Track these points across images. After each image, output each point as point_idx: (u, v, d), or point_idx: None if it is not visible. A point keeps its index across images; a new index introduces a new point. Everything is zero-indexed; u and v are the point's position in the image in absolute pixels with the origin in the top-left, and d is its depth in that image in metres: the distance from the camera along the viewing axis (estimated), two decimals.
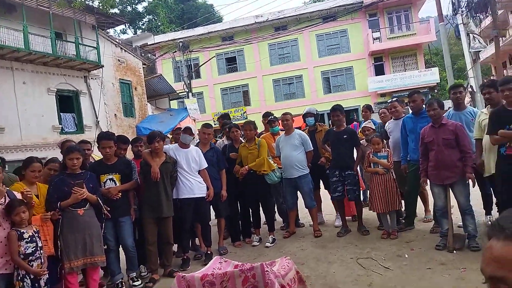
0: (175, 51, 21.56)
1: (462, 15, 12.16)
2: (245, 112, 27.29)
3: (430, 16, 28.06)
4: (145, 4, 41.31)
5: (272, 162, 5.40)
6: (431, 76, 24.42)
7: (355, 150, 5.58)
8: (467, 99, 14.13)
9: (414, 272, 3.85)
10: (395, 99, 6.37)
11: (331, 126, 6.24)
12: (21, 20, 12.71)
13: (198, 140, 5.72)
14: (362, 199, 6.18)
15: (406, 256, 4.32)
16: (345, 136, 5.38)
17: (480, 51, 12.88)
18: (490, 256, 0.75)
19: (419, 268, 3.93)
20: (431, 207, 5.37)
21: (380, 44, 25.76)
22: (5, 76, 12.58)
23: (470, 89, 11.99)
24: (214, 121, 22.07)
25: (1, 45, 11.98)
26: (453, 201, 4.53)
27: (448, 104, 6.70)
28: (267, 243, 5.34)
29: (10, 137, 12.36)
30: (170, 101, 22.81)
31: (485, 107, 4.58)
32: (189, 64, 21.70)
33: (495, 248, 0.74)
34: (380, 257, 4.35)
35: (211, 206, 5.39)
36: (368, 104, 7.19)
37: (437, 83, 25.00)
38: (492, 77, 23.93)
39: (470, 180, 4.30)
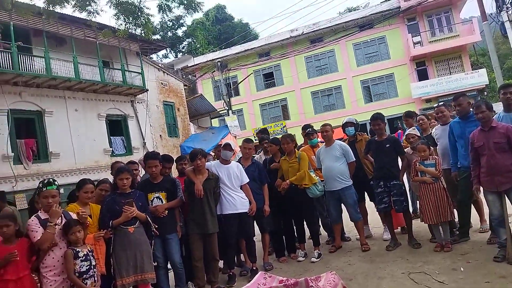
0: (214, 71, 22.16)
1: (507, 11, 11.54)
2: (285, 126, 27.31)
3: (473, 16, 26.87)
4: (184, 28, 43.02)
5: (313, 175, 5.34)
6: (479, 78, 23.28)
7: (399, 159, 5.40)
8: None
9: (471, 286, 3.62)
10: (441, 103, 6.10)
11: (370, 135, 6.08)
12: (70, 51, 13.68)
13: (240, 156, 5.79)
14: (412, 210, 5.94)
15: (462, 269, 4.07)
16: (387, 145, 5.23)
17: None
18: None
19: (476, 282, 3.69)
20: (486, 217, 5.04)
21: (421, 48, 25.00)
22: (59, 104, 13.52)
23: None
24: (254, 136, 22.25)
25: (54, 76, 12.92)
26: (510, 209, 4.23)
27: (499, 106, 6.34)
28: (312, 258, 5.24)
29: (65, 161, 13.18)
30: (212, 120, 23.38)
31: None
32: (228, 82, 22.21)
33: None
34: (434, 271, 4.13)
35: (254, 221, 5.41)
36: (408, 111, 6.92)
37: (486, 85, 23.76)
38: None
39: None
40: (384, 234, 5.75)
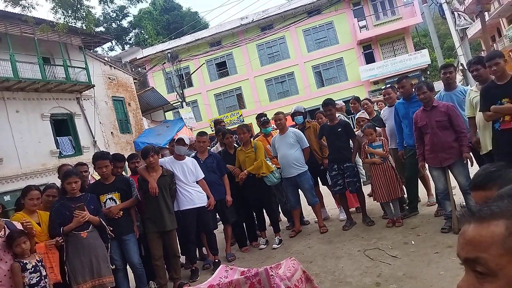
0: (165, 63, 21.58)
1: None
2: (241, 115, 27.29)
3: None
4: (130, 19, 41.38)
5: (270, 163, 5.39)
6: (422, 58, 24.43)
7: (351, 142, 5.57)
8: (460, 77, 14.12)
9: (422, 258, 3.84)
10: (389, 86, 6.35)
11: (318, 121, 6.23)
12: (7, 49, 12.72)
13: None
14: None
15: (413, 242, 4.31)
16: (339, 129, 5.37)
17: (466, 28, 12.87)
18: (463, 240, 0.79)
19: (426, 254, 3.92)
20: (433, 191, 5.36)
21: (367, 32, 25.76)
22: None
23: (461, 67, 11.98)
24: (211, 127, 22.09)
25: None
26: (454, 182, 4.52)
27: (440, 84, 6.69)
28: (274, 245, 5.32)
29: (9, 166, 12.35)
30: (165, 113, 22.83)
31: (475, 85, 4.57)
32: (180, 74, 21.72)
33: (467, 232, 0.79)
34: (387, 247, 4.34)
35: (217, 213, 5.40)
36: (356, 96, 7.18)
37: (428, 64, 25.00)
38: (482, 52, 23.94)
39: (468, 160, 4.28)
40: (340, 215, 5.96)
